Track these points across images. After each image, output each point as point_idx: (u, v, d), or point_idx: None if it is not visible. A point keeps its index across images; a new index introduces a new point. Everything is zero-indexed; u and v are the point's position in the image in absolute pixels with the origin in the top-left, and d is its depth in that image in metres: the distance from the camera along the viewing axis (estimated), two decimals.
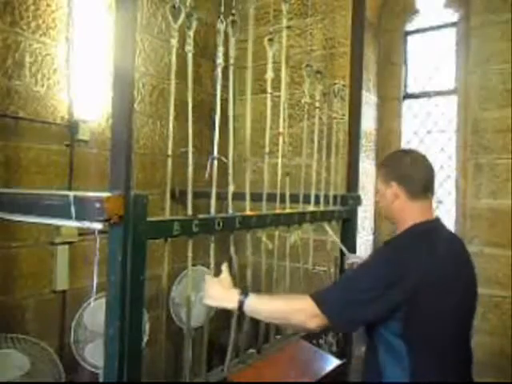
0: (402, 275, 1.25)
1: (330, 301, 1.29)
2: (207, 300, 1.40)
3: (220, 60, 1.51)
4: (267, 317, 1.39)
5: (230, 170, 1.59)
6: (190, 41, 1.43)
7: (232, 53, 1.59)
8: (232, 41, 1.57)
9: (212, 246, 1.53)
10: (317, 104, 2.15)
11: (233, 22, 1.55)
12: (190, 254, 1.47)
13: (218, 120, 1.54)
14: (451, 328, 1.31)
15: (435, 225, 1.43)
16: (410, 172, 1.41)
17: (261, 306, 1.35)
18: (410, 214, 1.40)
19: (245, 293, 1.36)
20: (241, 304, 1.33)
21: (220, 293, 1.38)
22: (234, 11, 1.55)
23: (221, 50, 1.50)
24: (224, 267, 1.44)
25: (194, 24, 1.42)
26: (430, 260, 1.29)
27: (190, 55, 1.44)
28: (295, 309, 1.32)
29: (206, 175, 1.43)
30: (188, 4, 1.39)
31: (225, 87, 1.56)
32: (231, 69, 1.60)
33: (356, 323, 1.34)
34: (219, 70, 1.51)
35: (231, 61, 1.59)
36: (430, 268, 1.28)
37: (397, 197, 1.40)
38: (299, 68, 2.04)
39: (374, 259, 1.42)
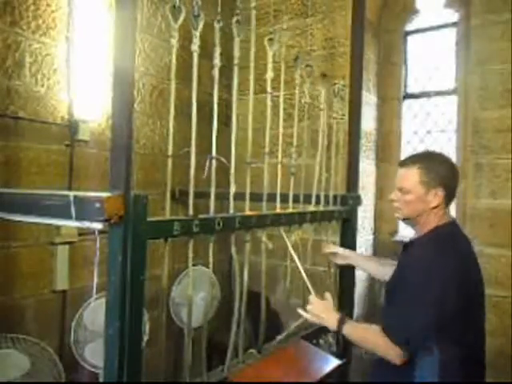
0: (450, 290, 1.33)
1: (396, 330, 1.37)
2: (314, 319, 1.60)
3: (217, 60, 1.50)
4: (360, 346, 1.54)
5: (232, 170, 1.59)
6: (196, 41, 1.42)
7: (236, 53, 1.58)
8: (236, 41, 1.57)
9: (211, 246, 1.53)
10: (321, 106, 2.15)
11: (237, 21, 1.55)
12: (190, 254, 1.47)
13: (216, 120, 1.53)
14: (472, 310, 1.42)
15: (455, 227, 1.52)
16: (453, 181, 1.48)
17: (353, 336, 1.50)
18: (438, 218, 1.47)
19: (342, 320, 1.51)
20: (339, 329, 1.51)
21: (325, 316, 1.57)
22: (238, 11, 1.55)
23: (218, 49, 1.50)
24: (328, 295, 1.68)
25: (201, 24, 1.42)
26: (462, 264, 1.38)
27: (195, 55, 1.44)
28: (376, 344, 1.42)
29: (205, 175, 1.43)
30: (195, 4, 1.39)
31: (225, 87, 1.56)
32: (235, 69, 1.59)
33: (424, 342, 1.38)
34: (216, 70, 1.50)
35: (235, 61, 1.59)
36: (463, 272, 1.37)
37: (439, 203, 1.45)
38: (300, 68, 2.03)
39: (420, 279, 1.38)
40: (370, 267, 2.00)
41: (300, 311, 1.64)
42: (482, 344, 1.48)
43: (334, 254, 2.06)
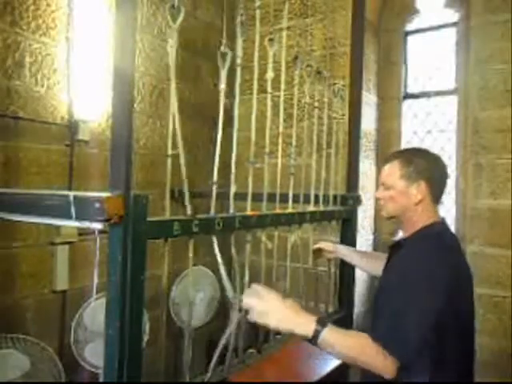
0: (440, 291, 1.23)
1: (393, 340, 1.18)
2: (272, 321, 1.19)
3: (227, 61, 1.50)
4: (341, 356, 1.25)
5: (233, 170, 1.59)
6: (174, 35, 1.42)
7: (239, 53, 1.58)
8: (239, 41, 1.57)
9: (215, 246, 1.53)
10: (316, 104, 2.15)
11: (241, 22, 1.55)
12: (190, 255, 1.47)
13: (222, 120, 1.53)
14: (463, 322, 1.33)
15: (445, 226, 1.44)
16: (437, 174, 1.40)
17: (339, 342, 1.19)
18: (426, 216, 1.39)
19: (322, 322, 1.18)
20: (316, 333, 1.16)
21: (292, 316, 1.20)
22: (242, 11, 1.55)
23: (228, 50, 1.50)
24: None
25: (181, 17, 1.41)
26: (453, 264, 1.31)
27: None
28: (370, 355, 1.17)
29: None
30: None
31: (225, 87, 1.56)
32: (238, 69, 1.59)
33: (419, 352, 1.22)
34: (224, 71, 1.50)
35: (238, 61, 1.59)
36: (454, 273, 1.29)
37: (423, 197, 1.37)
38: (300, 68, 2.03)
39: (413, 282, 1.27)
40: (354, 259, 1.96)
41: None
42: (473, 349, 1.40)
43: (320, 250, 2.03)
